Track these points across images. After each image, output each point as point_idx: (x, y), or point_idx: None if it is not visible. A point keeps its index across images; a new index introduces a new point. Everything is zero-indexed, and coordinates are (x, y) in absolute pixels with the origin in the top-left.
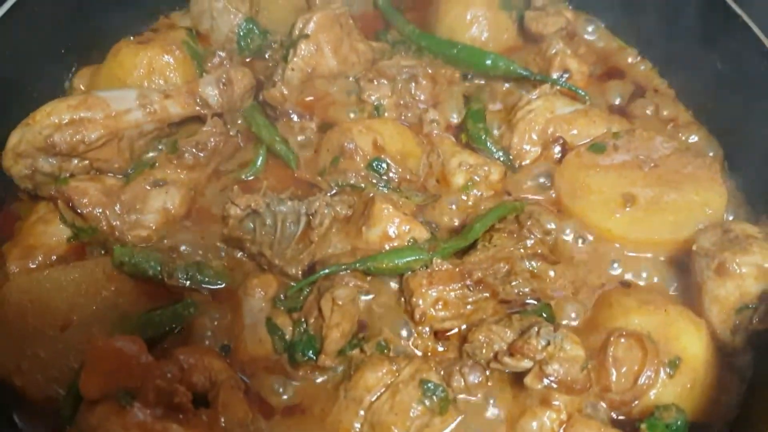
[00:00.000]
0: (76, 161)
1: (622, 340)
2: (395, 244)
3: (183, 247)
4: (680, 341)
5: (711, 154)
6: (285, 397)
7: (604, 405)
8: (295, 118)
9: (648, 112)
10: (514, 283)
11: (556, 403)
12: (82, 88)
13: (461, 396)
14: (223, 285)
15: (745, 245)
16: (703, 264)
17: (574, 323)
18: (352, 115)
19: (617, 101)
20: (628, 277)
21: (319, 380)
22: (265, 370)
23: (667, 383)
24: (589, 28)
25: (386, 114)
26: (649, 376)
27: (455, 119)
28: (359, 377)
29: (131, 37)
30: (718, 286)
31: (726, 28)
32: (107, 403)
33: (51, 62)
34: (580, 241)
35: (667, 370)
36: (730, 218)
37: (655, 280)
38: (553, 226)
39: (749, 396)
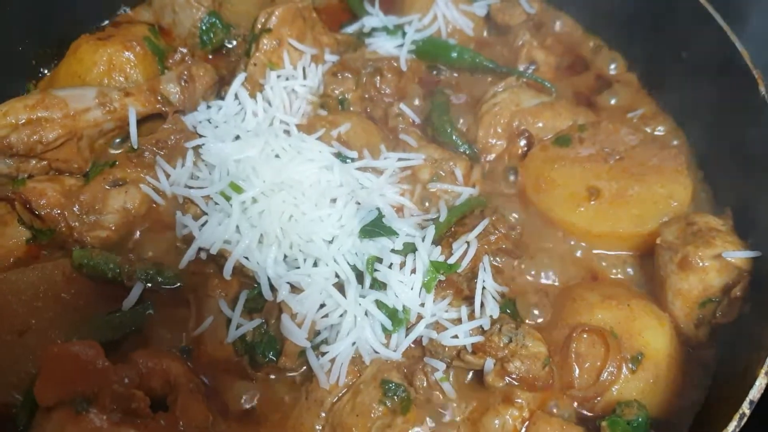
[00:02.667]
0: (34, 162)
1: (585, 335)
2: None
3: (142, 248)
4: (643, 336)
5: (676, 143)
6: (245, 399)
7: (570, 403)
8: None
9: (613, 103)
10: (476, 280)
11: (519, 400)
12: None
13: (423, 395)
14: (182, 286)
15: (708, 238)
16: (666, 257)
17: (538, 320)
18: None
19: (584, 93)
20: (594, 270)
21: (280, 382)
22: (226, 372)
23: (629, 379)
24: (557, 21)
25: (351, 108)
26: (611, 372)
27: (419, 113)
28: None
29: (91, 33)
30: (681, 280)
31: (689, 17)
32: (63, 409)
33: (8, 60)
34: (545, 234)
35: (630, 365)
36: (695, 210)
37: (621, 273)
38: (517, 219)
39: (713, 390)
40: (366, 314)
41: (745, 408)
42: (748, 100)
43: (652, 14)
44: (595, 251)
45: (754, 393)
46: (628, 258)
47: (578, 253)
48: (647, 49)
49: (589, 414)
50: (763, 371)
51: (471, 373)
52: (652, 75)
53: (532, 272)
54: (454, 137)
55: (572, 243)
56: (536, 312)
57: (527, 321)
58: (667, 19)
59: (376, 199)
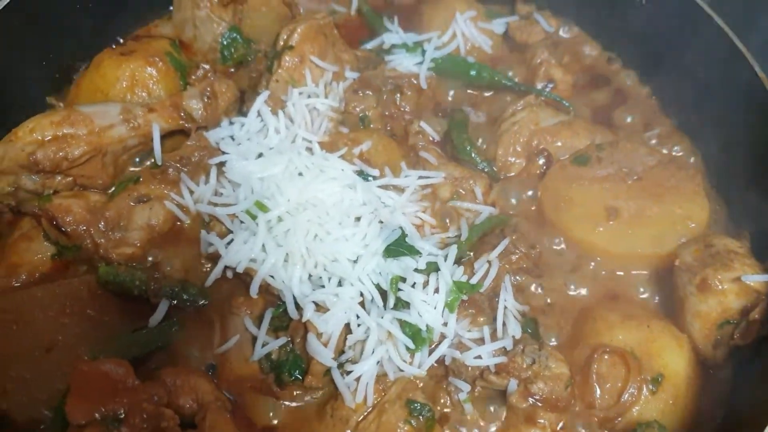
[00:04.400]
0: (59, 178)
1: (606, 356)
2: None
3: (167, 265)
4: (662, 357)
5: (692, 161)
6: (272, 416)
7: (590, 423)
8: None
9: (629, 121)
10: (498, 299)
11: (541, 421)
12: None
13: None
14: (207, 303)
15: (726, 261)
16: (685, 279)
17: (552, 341)
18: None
19: (601, 112)
20: (613, 289)
21: (306, 400)
22: (252, 390)
23: (649, 400)
24: (572, 36)
25: (371, 125)
26: (632, 393)
27: (439, 130)
28: None
29: (114, 47)
30: (700, 302)
31: (707, 37)
32: (94, 427)
33: (32, 75)
34: (564, 254)
35: (650, 386)
36: (713, 232)
37: (640, 293)
38: (537, 239)
39: (731, 412)
40: (389, 333)
41: None
42: (765, 122)
43: (669, 33)
44: (616, 271)
45: None
46: (648, 278)
47: (599, 273)
48: (664, 67)
49: None
50: None
51: (494, 393)
52: (669, 94)
53: (552, 291)
54: (473, 155)
55: (591, 262)
56: (554, 333)
57: (546, 341)
58: (685, 38)
59: (399, 217)
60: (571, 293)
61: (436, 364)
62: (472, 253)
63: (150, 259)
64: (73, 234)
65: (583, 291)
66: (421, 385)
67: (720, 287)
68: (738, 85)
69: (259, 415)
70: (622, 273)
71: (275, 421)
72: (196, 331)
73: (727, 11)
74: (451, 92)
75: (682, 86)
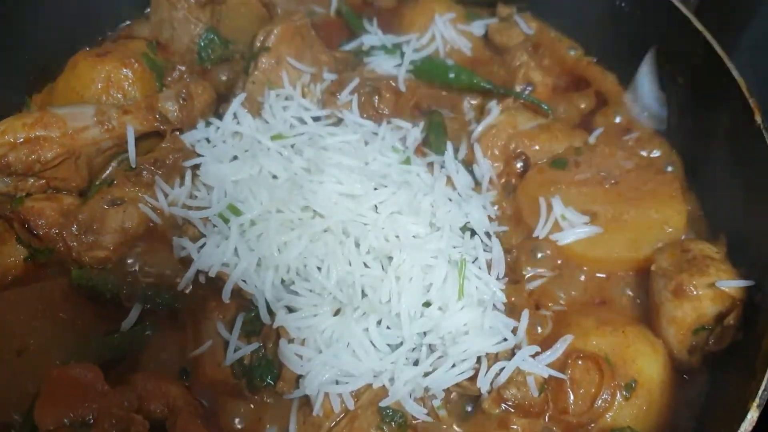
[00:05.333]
0: (32, 180)
1: (580, 361)
2: None
3: (139, 268)
4: (637, 363)
5: (671, 169)
6: (243, 422)
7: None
8: None
9: (611, 125)
10: None
11: (514, 427)
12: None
13: (420, 420)
14: (180, 307)
15: (702, 267)
16: (661, 284)
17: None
18: None
19: (580, 115)
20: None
21: (278, 405)
22: (225, 395)
23: (623, 405)
24: (553, 39)
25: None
26: (605, 399)
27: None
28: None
29: (90, 49)
30: (676, 308)
31: (687, 42)
32: None
33: (6, 76)
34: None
35: (624, 392)
36: (690, 237)
37: (618, 298)
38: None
39: (705, 418)
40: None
41: None
42: (743, 128)
43: (650, 38)
44: (593, 276)
45: (746, 426)
46: (625, 283)
47: (577, 277)
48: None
49: None
50: (755, 404)
51: (467, 399)
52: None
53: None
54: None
55: (571, 267)
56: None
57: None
58: (665, 43)
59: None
60: (551, 298)
61: None
62: None
63: (124, 262)
64: (45, 237)
65: (561, 296)
66: None
67: (695, 293)
68: (717, 88)
69: (229, 420)
70: (599, 277)
71: (247, 428)
72: (169, 335)
73: (706, 13)
74: (430, 94)
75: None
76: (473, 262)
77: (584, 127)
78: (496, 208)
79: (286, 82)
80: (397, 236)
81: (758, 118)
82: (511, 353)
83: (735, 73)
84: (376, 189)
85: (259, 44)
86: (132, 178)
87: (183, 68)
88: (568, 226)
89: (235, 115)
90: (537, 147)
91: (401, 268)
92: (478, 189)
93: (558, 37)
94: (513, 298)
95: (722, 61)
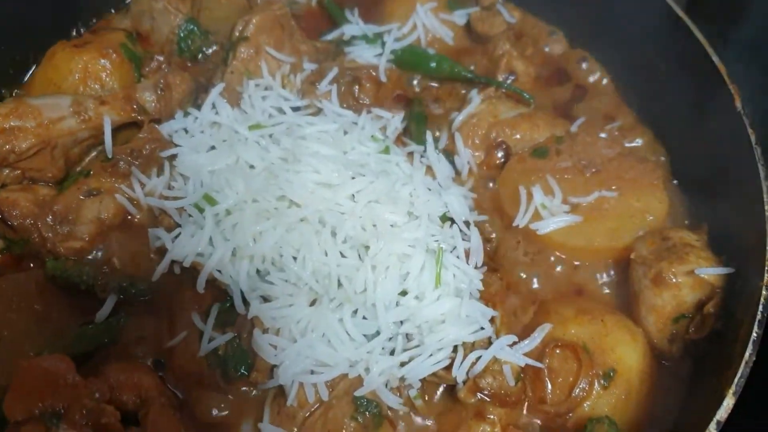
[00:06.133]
0: (7, 171)
1: (558, 350)
2: None
3: (115, 259)
4: (615, 352)
5: (654, 159)
6: (218, 413)
7: (537, 421)
8: None
9: (591, 114)
10: None
11: (491, 416)
12: (14, 93)
13: (395, 410)
14: (155, 298)
15: (681, 254)
16: (640, 273)
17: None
18: None
19: (562, 104)
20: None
21: (252, 396)
22: (199, 386)
23: (601, 395)
24: (535, 28)
25: None
26: (583, 388)
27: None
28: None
29: (68, 40)
30: (655, 296)
31: (668, 29)
32: (33, 424)
33: None
34: (521, 247)
35: (602, 381)
36: (670, 225)
37: (599, 287)
38: (493, 233)
39: (686, 407)
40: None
41: (713, 429)
42: (724, 114)
43: (632, 25)
44: (574, 265)
45: (722, 413)
46: (606, 272)
47: (557, 266)
48: (626, 60)
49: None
50: (731, 391)
51: (443, 388)
52: (631, 86)
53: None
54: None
55: (550, 256)
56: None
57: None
58: (646, 30)
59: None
60: (530, 287)
61: None
62: None
63: (98, 253)
64: (19, 228)
65: (541, 285)
66: None
67: (674, 280)
68: (699, 78)
69: (204, 411)
70: (580, 266)
71: (221, 418)
72: (144, 326)
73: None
74: (411, 84)
75: (645, 78)
76: (451, 252)
77: (566, 116)
78: (476, 196)
79: (266, 72)
80: (375, 225)
81: (738, 104)
82: (488, 342)
83: (715, 59)
84: (353, 178)
85: (237, 34)
86: (108, 168)
87: (161, 58)
88: (549, 215)
89: (213, 105)
90: (518, 136)
91: (378, 257)
92: (459, 178)
93: (542, 26)
94: (491, 287)
95: (705, 50)
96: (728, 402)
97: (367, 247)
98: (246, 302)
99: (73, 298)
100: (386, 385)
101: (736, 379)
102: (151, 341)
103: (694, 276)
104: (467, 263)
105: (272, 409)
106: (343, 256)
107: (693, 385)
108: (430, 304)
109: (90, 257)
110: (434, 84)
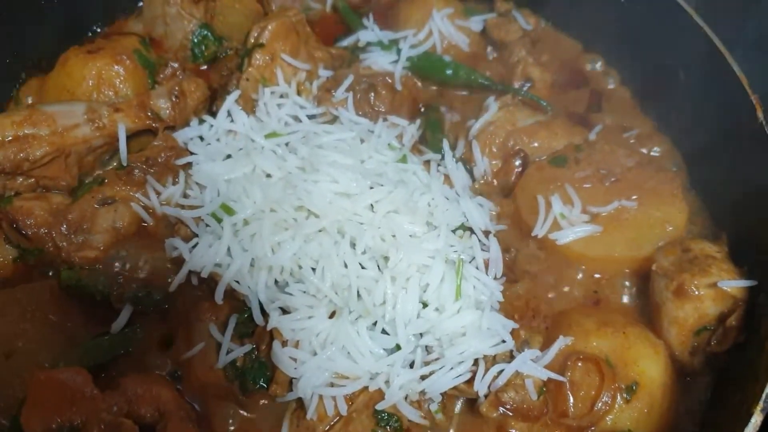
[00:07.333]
0: (21, 179)
1: (580, 363)
2: None
3: (130, 268)
4: (638, 365)
5: (673, 165)
6: (235, 426)
7: None
8: None
9: (609, 122)
10: None
11: (513, 431)
12: (30, 100)
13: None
14: (172, 309)
15: (703, 266)
16: (662, 284)
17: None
18: None
19: (579, 111)
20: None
21: (271, 408)
22: (217, 398)
23: (624, 408)
24: (552, 35)
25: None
26: (605, 402)
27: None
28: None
29: (81, 45)
30: (677, 308)
31: (688, 38)
32: None
33: None
34: (541, 257)
35: (624, 394)
36: (691, 235)
37: (619, 298)
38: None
39: (708, 420)
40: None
41: None
42: (745, 125)
43: (651, 32)
44: (594, 275)
45: (750, 431)
46: (627, 282)
47: (577, 277)
48: (644, 67)
49: None
50: (758, 408)
51: (464, 402)
52: (649, 94)
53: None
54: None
55: (569, 267)
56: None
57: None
58: (666, 38)
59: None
60: (549, 298)
61: None
62: None
63: (114, 263)
64: (34, 237)
65: (563, 296)
66: None
67: (697, 293)
68: (718, 86)
69: (222, 423)
70: (600, 277)
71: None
72: (160, 337)
73: (708, 11)
74: (427, 91)
75: (663, 87)
76: (470, 262)
77: (584, 124)
78: (494, 206)
79: (281, 79)
80: (394, 235)
81: (760, 115)
82: (510, 355)
83: (736, 69)
84: (371, 188)
85: (252, 40)
86: (123, 176)
87: (176, 65)
88: (568, 224)
89: (228, 113)
90: (536, 144)
91: (397, 268)
92: (476, 187)
93: (558, 32)
94: (511, 298)
95: (724, 56)
96: (756, 419)
97: (386, 258)
98: (264, 313)
99: (88, 308)
100: (406, 399)
101: (764, 395)
102: (167, 352)
103: (716, 288)
104: (486, 274)
105: (291, 422)
106: (362, 267)
107: (715, 401)
108: (451, 316)
109: (104, 267)
110: (450, 91)
